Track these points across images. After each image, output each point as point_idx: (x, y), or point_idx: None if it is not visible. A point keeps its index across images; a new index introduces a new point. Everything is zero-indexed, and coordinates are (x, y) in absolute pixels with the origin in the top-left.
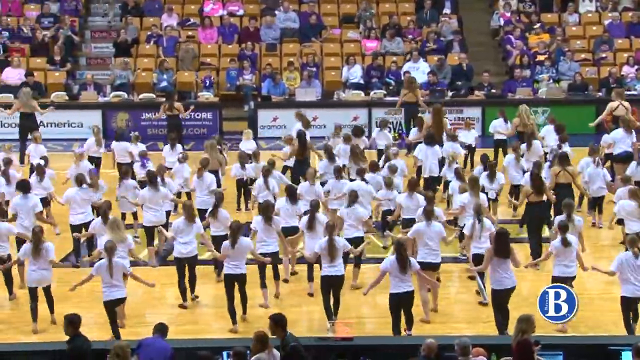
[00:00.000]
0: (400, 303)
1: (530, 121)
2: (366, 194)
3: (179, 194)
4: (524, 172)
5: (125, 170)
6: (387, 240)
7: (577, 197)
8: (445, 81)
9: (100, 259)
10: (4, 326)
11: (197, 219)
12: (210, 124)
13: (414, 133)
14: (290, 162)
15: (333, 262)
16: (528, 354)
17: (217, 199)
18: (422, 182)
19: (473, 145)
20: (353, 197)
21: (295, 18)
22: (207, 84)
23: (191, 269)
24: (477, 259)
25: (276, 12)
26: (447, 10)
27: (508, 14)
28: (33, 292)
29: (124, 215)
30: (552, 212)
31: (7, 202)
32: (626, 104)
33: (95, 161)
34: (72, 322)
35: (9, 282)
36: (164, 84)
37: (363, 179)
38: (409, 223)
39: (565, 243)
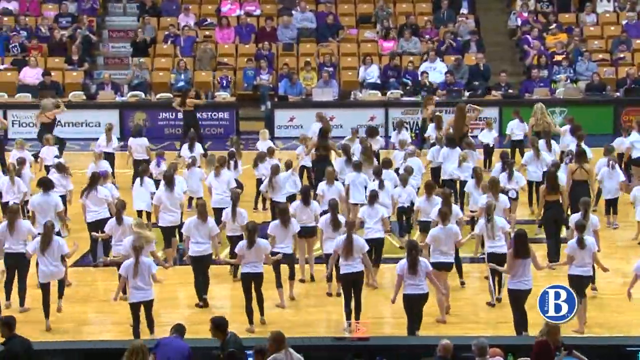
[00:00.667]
0: (411, 304)
1: (547, 119)
2: (383, 194)
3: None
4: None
5: (144, 169)
6: (403, 240)
7: (594, 196)
8: (463, 81)
9: (126, 258)
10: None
11: (210, 219)
12: (227, 123)
13: (431, 129)
14: (308, 162)
15: (349, 260)
16: (546, 355)
17: (233, 199)
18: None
19: (491, 145)
20: (373, 197)
21: (312, 18)
22: (224, 84)
23: (205, 269)
24: (491, 258)
25: (293, 12)
26: (464, 10)
27: (525, 14)
28: (45, 287)
29: (140, 213)
30: (568, 211)
31: (27, 202)
32: None
33: (105, 157)
34: (7, 324)
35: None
36: (181, 83)
37: (379, 179)
38: (426, 226)
39: (581, 244)
